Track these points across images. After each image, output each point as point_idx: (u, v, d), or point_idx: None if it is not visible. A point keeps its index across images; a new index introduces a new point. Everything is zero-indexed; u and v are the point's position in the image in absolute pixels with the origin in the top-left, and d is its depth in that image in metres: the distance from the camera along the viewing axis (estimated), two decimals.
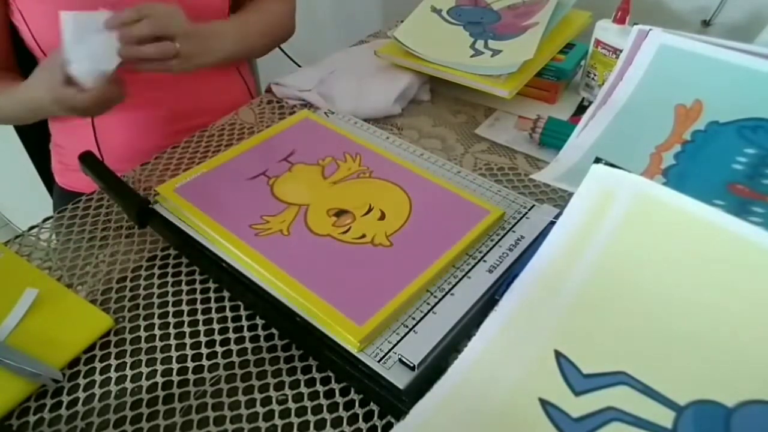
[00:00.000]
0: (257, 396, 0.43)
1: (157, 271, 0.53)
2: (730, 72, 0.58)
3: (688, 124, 0.58)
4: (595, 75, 0.75)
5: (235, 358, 0.45)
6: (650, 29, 0.64)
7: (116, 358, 0.46)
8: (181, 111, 0.78)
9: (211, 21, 0.71)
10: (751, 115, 0.56)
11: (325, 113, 0.68)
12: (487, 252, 0.50)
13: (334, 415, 0.42)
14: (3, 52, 0.72)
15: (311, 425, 0.41)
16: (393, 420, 0.41)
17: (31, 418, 0.42)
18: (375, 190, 0.56)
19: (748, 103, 0.57)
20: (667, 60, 0.62)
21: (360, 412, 0.42)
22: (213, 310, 0.49)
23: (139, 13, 0.57)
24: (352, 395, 0.43)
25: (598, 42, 0.73)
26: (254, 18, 0.78)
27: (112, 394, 0.43)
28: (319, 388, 0.44)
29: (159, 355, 0.46)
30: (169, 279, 0.52)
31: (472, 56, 0.74)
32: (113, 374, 0.44)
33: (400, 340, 0.43)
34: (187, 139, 0.70)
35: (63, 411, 0.42)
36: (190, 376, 0.44)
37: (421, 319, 0.45)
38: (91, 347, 0.46)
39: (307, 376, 0.44)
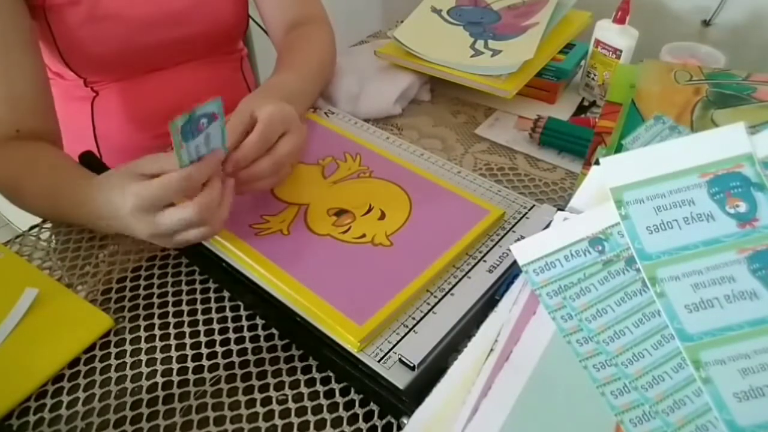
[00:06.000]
0: (257, 396, 0.43)
1: (157, 271, 0.53)
2: None
3: None
4: (595, 75, 0.75)
5: (235, 358, 0.45)
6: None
7: (116, 358, 0.46)
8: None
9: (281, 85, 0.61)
10: None
11: (325, 113, 0.68)
12: (487, 252, 0.50)
13: (334, 415, 0.42)
14: (44, 96, 0.60)
15: (311, 425, 0.41)
16: (393, 420, 0.41)
17: (31, 418, 0.42)
18: (375, 190, 0.56)
19: None
20: None
21: (360, 412, 0.42)
22: (213, 310, 0.49)
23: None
24: (352, 395, 0.43)
25: (598, 42, 0.73)
26: (307, 53, 0.70)
27: (112, 394, 0.43)
28: (319, 388, 0.44)
29: (159, 355, 0.46)
30: (169, 279, 0.52)
31: (472, 56, 0.74)
32: (113, 374, 0.44)
33: (400, 340, 0.43)
34: None
35: (63, 411, 0.42)
36: (190, 376, 0.44)
37: (421, 319, 0.45)
38: (91, 347, 0.46)
39: (307, 376, 0.44)
